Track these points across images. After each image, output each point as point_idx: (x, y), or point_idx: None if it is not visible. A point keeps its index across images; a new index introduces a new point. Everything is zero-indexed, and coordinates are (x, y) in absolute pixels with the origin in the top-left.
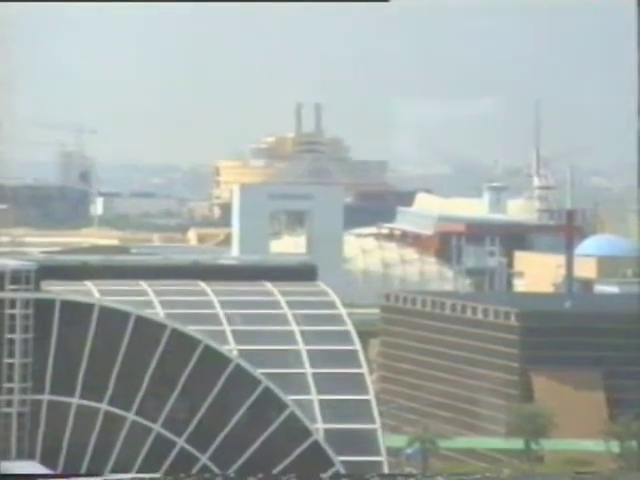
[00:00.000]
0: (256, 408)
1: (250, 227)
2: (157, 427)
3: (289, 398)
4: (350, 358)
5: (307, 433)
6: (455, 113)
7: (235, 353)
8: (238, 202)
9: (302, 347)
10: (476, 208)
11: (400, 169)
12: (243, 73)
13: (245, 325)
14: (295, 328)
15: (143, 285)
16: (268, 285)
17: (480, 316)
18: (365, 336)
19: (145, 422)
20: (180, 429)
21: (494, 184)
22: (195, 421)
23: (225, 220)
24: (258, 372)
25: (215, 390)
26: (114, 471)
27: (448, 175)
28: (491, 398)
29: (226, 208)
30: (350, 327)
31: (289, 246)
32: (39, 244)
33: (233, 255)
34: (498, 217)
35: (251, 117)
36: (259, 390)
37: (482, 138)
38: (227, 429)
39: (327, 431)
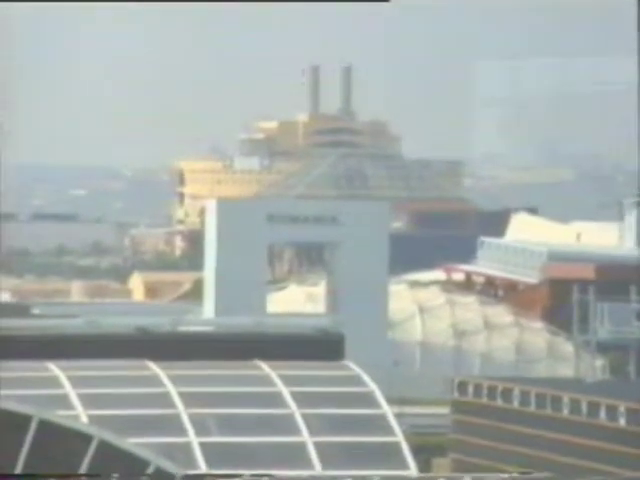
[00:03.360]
0: None
1: (235, 270)
2: None
3: None
4: None
5: None
6: (579, 80)
7: None
8: (215, 229)
9: (319, 469)
10: (614, 238)
11: (485, 174)
12: (226, 27)
13: (225, 434)
14: (307, 438)
15: (53, 369)
16: (264, 366)
17: (622, 422)
18: (426, 453)
19: None
20: None
21: None
22: None
23: (193, 259)
24: None
25: None
26: None
27: (566, 183)
28: None
29: (195, 239)
30: (400, 437)
31: (299, 301)
32: None
33: (206, 317)
34: None
35: (239, 91)
36: None
37: (625, 122)
38: None
39: None
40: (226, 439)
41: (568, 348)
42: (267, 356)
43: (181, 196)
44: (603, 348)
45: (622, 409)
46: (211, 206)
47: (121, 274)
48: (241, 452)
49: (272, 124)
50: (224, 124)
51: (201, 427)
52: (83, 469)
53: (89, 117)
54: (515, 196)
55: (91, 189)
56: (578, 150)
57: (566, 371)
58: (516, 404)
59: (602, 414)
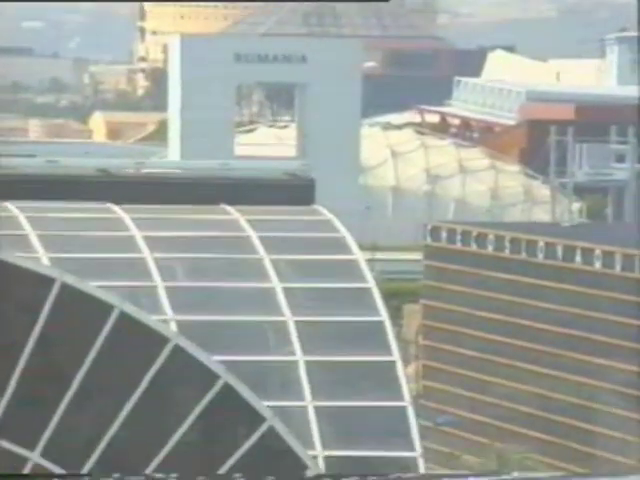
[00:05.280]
0: (211, 420)
1: (201, 111)
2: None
3: (265, 405)
4: (371, 335)
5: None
6: None
7: (174, 327)
8: (179, 66)
9: (289, 317)
10: (593, 76)
11: (461, 11)
12: None
13: (191, 279)
14: (277, 285)
15: (12, 209)
16: (230, 210)
17: (598, 265)
18: (397, 299)
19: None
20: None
21: (627, 33)
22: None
23: (156, 98)
24: (214, 360)
25: (138, 390)
26: None
27: (546, 19)
28: (619, 409)
29: (158, 77)
30: (371, 284)
31: (267, 144)
32: None
33: (170, 160)
34: (634, 92)
35: None
36: (215, 389)
37: None
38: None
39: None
40: (193, 284)
41: (545, 191)
42: (234, 200)
43: (143, 31)
44: (580, 191)
45: (598, 252)
46: (174, 43)
47: (81, 113)
48: (208, 297)
49: None
50: None
51: (167, 272)
52: (44, 313)
53: None
54: (492, 33)
55: (48, 21)
56: None
57: (542, 215)
58: (490, 249)
59: (578, 258)
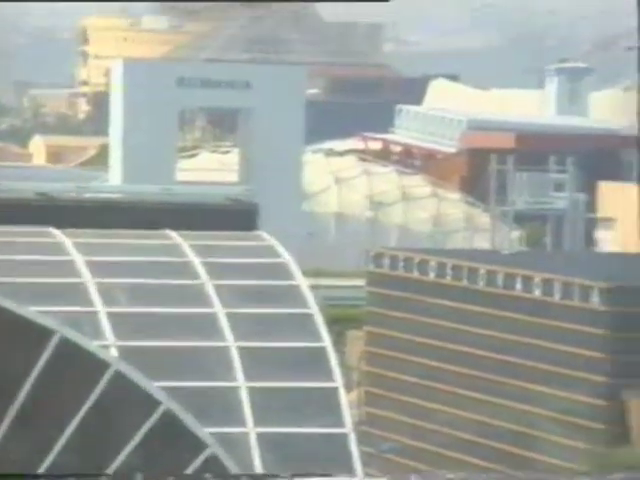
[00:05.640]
0: (152, 446)
1: (142, 135)
2: None
3: (206, 431)
4: (313, 361)
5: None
6: None
7: (115, 353)
8: (121, 91)
9: (231, 343)
10: (534, 106)
11: (408, 39)
12: None
13: (133, 305)
14: (219, 310)
15: None
16: (173, 235)
17: (537, 293)
18: (340, 325)
19: None
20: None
21: (567, 64)
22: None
23: (98, 122)
24: (156, 386)
25: (78, 416)
26: None
27: (492, 48)
28: (557, 436)
29: (100, 102)
30: (314, 309)
31: (210, 169)
32: None
33: (111, 184)
34: (573, 122)
35: None
36: (156, 416)
37: None
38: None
39: None
40: (134, 309)
41: (485, 219)
42: (177, 226)
43: (85, 56)
44: (521, 219)
45: (538, 280)
46: (117, 67)
47: (21, 137)
48: (150, 323)
49: None
50: None
51: (108, 297)
52: None
53: None
54: (439, 61)
55: None
56: (506, 12)
57: (483, 243)
58: (432, 276)
59: (518, 286)
